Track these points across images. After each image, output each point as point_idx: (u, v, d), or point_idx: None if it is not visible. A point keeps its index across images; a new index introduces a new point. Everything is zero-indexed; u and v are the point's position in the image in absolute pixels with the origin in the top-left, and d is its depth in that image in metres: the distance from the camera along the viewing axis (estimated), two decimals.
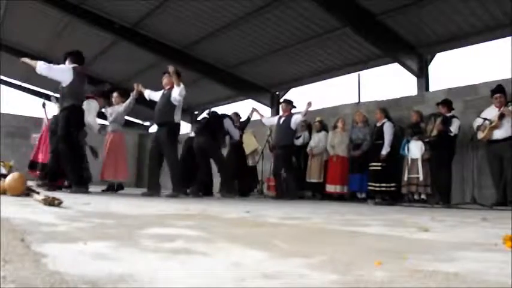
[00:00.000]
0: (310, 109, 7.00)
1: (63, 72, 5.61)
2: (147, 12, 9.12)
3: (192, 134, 7.65)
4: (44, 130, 6.89)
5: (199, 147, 6.88)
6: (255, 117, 7.99)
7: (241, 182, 7.87)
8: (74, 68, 5.68)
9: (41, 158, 6.65)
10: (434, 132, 5.95)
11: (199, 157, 6.91)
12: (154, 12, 9.06)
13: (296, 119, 7.15)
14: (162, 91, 6.24)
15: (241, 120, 8.09)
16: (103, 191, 6.59)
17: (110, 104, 7.15)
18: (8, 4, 9.97)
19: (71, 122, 5.38)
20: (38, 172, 6.74)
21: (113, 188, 6.81)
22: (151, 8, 8.93)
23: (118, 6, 9.22)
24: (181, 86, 5.83)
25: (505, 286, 0.87)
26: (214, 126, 7.03)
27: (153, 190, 5.88)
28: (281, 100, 7.91)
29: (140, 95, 6.73)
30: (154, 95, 6.43)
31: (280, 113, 7.79)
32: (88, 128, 6.21)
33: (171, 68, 5.87)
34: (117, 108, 7.00)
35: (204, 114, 7.62)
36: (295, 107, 7.51)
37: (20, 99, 22.40)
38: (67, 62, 5.82)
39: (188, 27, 9.35)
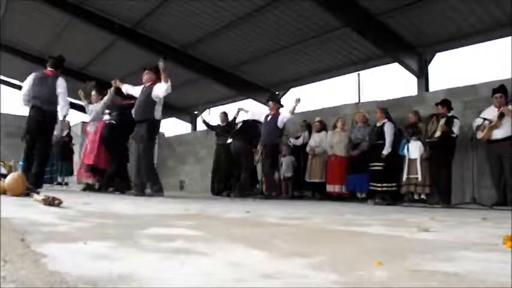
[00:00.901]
0: (310, 109, 6.99)
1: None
2: (147, 12, 9.12)
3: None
4: (93, 135, 6.83)
5: (236, 151, 7.37)
6: (242, 116, 7.96)
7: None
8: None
9: (100, 163, 6.70)
10: (438, 134, 5.93)
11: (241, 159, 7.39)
12: (154, 12, 9.05)
13: (283, 117, 7.07)
14: (141, 87, 6.08)
15: (229, 120, 8.21)
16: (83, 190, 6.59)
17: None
18: (8, 4, 9.97)
19: (154, 132, 5.92)
20: (98, 177, 6.84)
21: (92, 188, 6.70)
22: (152, 8, 8.93)
23: (118, 6, 9.21)
24: (169, 83, 5.70)
25: (505, 286, 0.87)
26: (250, 131, 7.46)
27: (139, 189, 5.76)
28: (268, 99, 7.77)
29: (118, 90, 6.58)
30: (132, 90, 6.29)
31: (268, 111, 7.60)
32: None
33: (161, 64, 5.73)
34: (96, 106, 6.85)
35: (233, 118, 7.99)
36: (282, 106, 7.44)
37: (20, 99, 22.28)
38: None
39: (188, 27, 9.34)
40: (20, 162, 7.49)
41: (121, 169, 6.53)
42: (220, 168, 8.22)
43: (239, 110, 8.01)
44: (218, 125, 8.57)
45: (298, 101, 6.85)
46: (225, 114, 8.39)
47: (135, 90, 6.21)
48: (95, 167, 6.63)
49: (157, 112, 5.81)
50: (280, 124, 7.13)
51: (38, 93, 5.53)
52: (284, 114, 7.10)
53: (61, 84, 5.63)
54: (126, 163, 6.74)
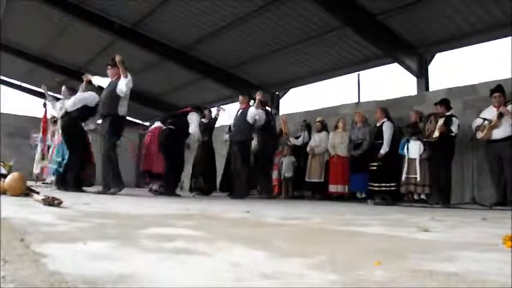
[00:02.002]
0: (310, 109, 6.96)
1: None
2: (147, 12, 9.12)
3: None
4: (149, 140, 7.08)
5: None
6: (223, 116, 7.93)
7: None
8: None
9: (157, 168, 6.92)
10: (436, 134, 5.93)
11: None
12: (154, 12, 9.05)
13: (251, 112, 6.77)
14: (109, 80, 6.02)
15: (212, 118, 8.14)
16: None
17: None
18: (8, 4, 9.97)
19: (117, 128, 5.83)
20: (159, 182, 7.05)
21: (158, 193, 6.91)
22: (152, 8, 8.93)
23: (118, 6, 9.21)
24: (129, 77, 5.60)
25: (505, 286, 0.87)
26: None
27: (104, 187, 5.68)
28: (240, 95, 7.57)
29: (89, 83, 6.50)
30: (101, 81, 6.26)
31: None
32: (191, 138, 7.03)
33: (117, 57, 5.63)
34: (67, 103, 6.56)
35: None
36: (253, 99, 7.05)
37: (20, 99, 22.38)
38: None
39: (188, 27, 9.34)
40: None
41: (178, 174, 6.91)
42: (196, 166, 8.11)
43: (219, 109, 7.92)
44: (201, 122, 8.27)
45: (260, 93, 6.70)
46: (209, 111, 8.19)
47: (105, 82, 6.12)
48: (153, 173, 6.93)
49: (122, 108, 5.67)
50: (250, 119, 6.80)
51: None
52: (252, 110, 6.80)
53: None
54: (183, 168, 7.01)
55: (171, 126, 6.80)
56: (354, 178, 7.14)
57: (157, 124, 7.17)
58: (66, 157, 6.03)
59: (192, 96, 12.82)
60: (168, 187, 6.59)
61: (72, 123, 6.19)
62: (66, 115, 6.25)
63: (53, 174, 6.68)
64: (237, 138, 6.91)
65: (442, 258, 1.21)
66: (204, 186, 7.79)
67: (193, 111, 6.93)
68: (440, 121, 5.93)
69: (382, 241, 1.68)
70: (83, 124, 6.36)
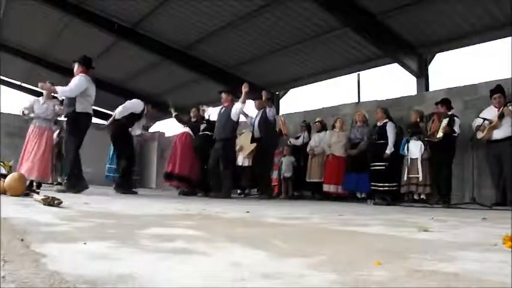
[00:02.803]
0: (310, 109, 6.93)
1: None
2: (147, 12, 9.12)
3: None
4: (178, 144, 7.50)
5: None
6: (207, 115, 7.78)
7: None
8: None
9: (184, 171, 7.32)
10: (440, 134, 5.92)
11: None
12: (154, 12, 9.05)
13: (236, 109, 6.60)
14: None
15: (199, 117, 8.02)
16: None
17: None
18: (8, 4, 9.97)
19: (74, 124, 5.83)
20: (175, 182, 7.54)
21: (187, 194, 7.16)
22: (152, 8, 8.93)
23: (118, 6, 9.22)
24: (79, 77, 5.63)
25: (505, 286, 0.87)
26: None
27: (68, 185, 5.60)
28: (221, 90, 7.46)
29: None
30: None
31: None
32: None
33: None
34: (116, 110, 6.96)
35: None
36: (237, 98, 6.85)
37: (20, 99, 22.35)
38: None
39: (188, 27, 9.34)
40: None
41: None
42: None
43: (203, 109, 7.81)
44: (189, 120, 8.18)
45: (246, 87, 6.52)
46: (197, 110, 8.04)
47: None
48: (185, 176, 7.20)
49: (79, 104, 5.61)
50: (233, 117, 6.64)
51: None
52: (237, 106, 6.65)
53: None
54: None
55: (208, 132, 7.22)
56: (351, 178, 7.09)
57: (185, 129, 7.53)
58: (118, 162, 6.76)
59: (192, 96, 12.83)
60: (222, 189, 6.64)
61: (121, 130, 6.54)
62: (115, 122, 6.62)
63: (108, 179, 7.49)
64: (220, 135, 6.74)
65: (442, 258, 1.21)
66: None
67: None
68: (445, 121, 5.92)
69: (382, 241, 1.68)
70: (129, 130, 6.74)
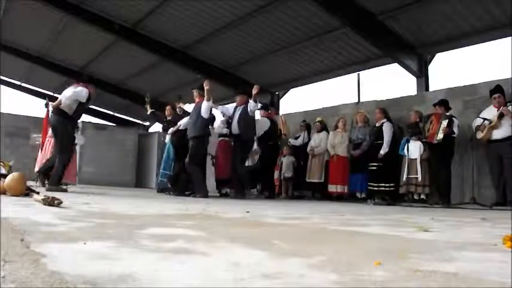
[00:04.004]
0: (310, 109, 6.91)
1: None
2: (147, 12, 9.12)
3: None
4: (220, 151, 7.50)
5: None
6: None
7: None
8: None
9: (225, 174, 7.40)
10: (440, 136, 5.92)
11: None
12: (154, 12, 9.05)
13: (205, 106, 6.42)
14: None
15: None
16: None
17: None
18: (8, 4, 9.97)
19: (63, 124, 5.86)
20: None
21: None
22: (151, 8, 8.93)
23: (118, 6, 9.22)
24: (77, 89, 5.76)
25: (505, 286, 0.87)
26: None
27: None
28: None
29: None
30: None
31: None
32: None
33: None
34: (181, 121, 7.40)
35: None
36: (208, 94, 6.52)
37: (20, 99, 22.41)
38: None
39: (188, 27, 9.34)
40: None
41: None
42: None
43: (179, 106, 7.66)
44: (165, 118, 8.10)
45: (207, 83, 6.32)
46: (172, 108, 7.90)
47: None
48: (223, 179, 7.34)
49: (66, 107, 5.70)
50: (204, 114, 6.43)
51: None
52: (205, 103, 6.46)
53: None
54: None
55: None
56: (353, 178, 7.13)
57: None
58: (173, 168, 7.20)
59: (192, 96, 12.84)
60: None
61: (184, 138, 6.90)
62: (179, 132, 7.16)
63: (162, 185, 7.69)
64: (190, 133, 6.60)
65: (442, 258, 1.21)
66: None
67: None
68: (444, 123, 5.92)
69: (382, 241, 1.68)
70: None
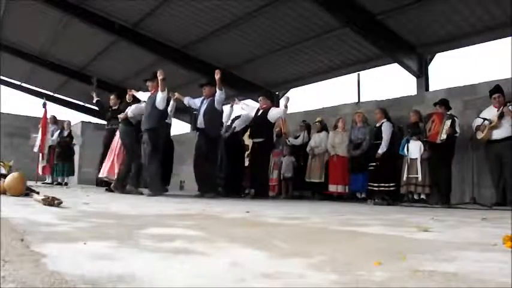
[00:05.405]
0: (310, 109, 6.89)
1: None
2: (147, 12, 9.12)
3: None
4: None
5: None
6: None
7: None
8: None
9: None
10: (444, 137, 5.92)
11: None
12: (154, 12, 9.05)
13: (159, 97, 6.03)
14: None
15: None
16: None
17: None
18: (8, 4, 9.97)
19: None
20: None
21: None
22: (151, 8, 8.93)
23: (118, 6, 9.22)
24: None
25: (505, 286, 0.87)
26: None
27: None
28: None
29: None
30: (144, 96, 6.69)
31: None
32: None
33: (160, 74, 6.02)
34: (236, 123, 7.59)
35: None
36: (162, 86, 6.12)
37: (20, 99, 22.40)
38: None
39: (188, 27, 9.34)
40: None
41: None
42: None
43: (131, 93, 7.11)
44: (110, 107, 7.58)
45: (162, 78, 5.97)
46: (117, 97, 7.41)
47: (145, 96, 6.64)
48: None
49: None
50: (159, 105, 6.05)
51: None
52: (159, 93, 6.05)
53: None
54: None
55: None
56: (353, 178, 7.13)
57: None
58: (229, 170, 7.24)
59: (192, 96, 12.84)
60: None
61: (238, 140, 7.30)
62: (234, 135, 7.38)
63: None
64: (143, 126, 6.17)
65: (442, 258, 1.21)
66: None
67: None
68: (448, 123, 5.92)
69: (382, 241, 1.68)
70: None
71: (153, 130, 6.06)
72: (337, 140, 7.37)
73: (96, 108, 7.77)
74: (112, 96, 7.56)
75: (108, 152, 6.91)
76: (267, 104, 7.10)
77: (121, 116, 6.53)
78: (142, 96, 6.66)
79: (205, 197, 6.04)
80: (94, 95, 7.71)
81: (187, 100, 7.04)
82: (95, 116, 15.79)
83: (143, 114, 6.26)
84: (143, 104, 6.53)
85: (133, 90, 7.01)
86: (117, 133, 6.75)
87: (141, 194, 6.01)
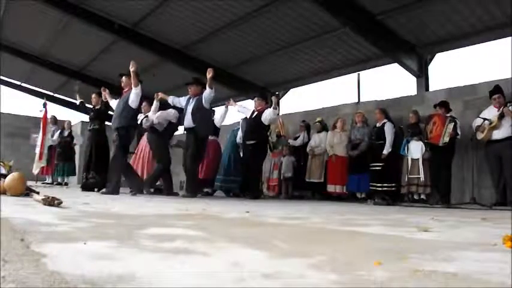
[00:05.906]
0: (310, 109, 6.87)
1: None
2: (147, 12, 9.12)
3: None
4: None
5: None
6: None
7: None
8: None
9: None
10: (446, 140, 5.93)
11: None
12: (154, 12, 9.05)
13: (133, 94, 5.84)
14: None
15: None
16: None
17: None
18: (8, 4, 9.97)
19: None
20: None
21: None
22: (151, 8, 8.93)
23: (118, 6, 9.21)
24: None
25: (505, 286, 0.87)
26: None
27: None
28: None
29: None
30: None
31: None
32: None
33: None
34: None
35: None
36: (139, 84, 6.03)
37: (20, 99, 22.41)
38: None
39: (188, 27, 9.34)
40: None
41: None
42: (92, 158, 7.15)
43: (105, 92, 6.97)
44: (93, 107, 7.42)
45: (134, 70, 5.84)
46: (98, 95, 7.15)
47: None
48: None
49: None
50: (132, 103, 5.83)
51: None
52: (134, 91, 5.89)
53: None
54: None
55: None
56: (352, 179, 7.11)
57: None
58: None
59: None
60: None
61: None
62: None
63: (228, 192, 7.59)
64: (114, 124, 5.94)
65: (442, 258, 1.21)
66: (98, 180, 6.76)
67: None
68: (450, 126, 5.93)
69: (382, 241, 1.68)
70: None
71: (123, 128, 5.83)
72: (336, 140, 7.37)
73: (80, 111, 7.77)
74: (93, 96, 7.39)
75: (136, 158, 7.27)
76: (262, 105, 7.00)
77: (147, 124, 6.67)
78: (114, 103, 6.40)
79: (186, 196, 5.90)
80: (77, 96, 7.64)
81: (171, 99, 6.82)
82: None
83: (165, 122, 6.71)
84: (169, 110, 6.71)
85: (107, 90, 6.81)
86: (144, 138, 7.11)
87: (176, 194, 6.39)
